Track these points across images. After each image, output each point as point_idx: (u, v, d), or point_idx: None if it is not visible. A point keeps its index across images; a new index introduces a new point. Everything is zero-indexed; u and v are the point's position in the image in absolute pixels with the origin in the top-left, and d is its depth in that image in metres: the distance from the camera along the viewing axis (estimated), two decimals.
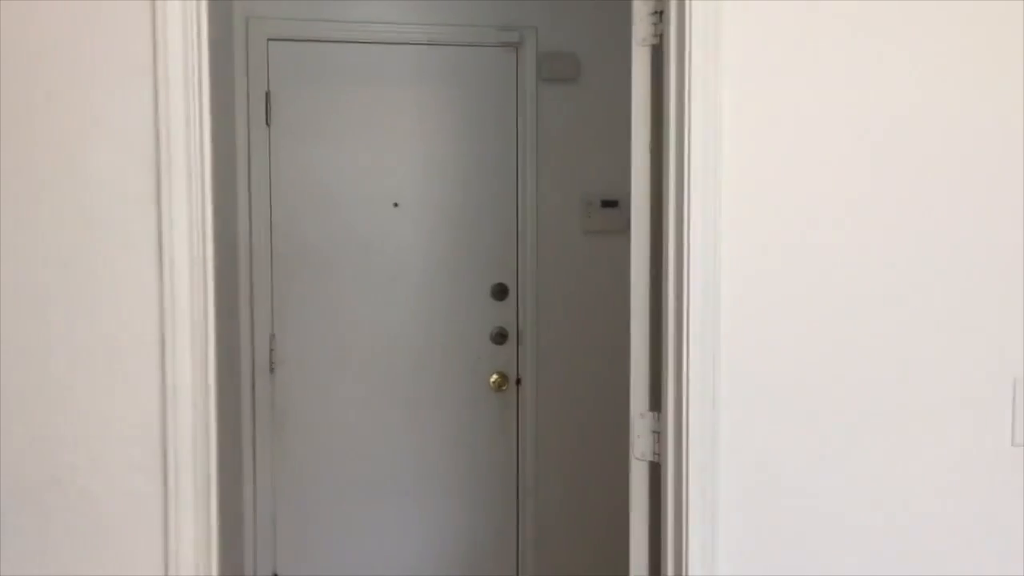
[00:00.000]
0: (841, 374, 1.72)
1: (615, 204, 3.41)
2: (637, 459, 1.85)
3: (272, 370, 3.32)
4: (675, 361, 1.71)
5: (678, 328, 1.70)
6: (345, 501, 3.41)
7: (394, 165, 3.35)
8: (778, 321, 1.71)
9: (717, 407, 1.70)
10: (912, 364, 1.74)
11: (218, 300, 2.81)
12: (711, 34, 1.64)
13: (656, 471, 1.85)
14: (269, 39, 3.24)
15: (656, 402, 1.83)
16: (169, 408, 1.56)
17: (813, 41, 1.69)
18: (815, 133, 1.69)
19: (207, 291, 1.62)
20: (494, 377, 3.42)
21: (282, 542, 3.39)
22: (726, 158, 1.68)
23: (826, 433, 1.73)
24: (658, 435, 1.82)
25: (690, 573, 1.68)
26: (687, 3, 1.63)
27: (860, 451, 1.73)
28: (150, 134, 1.59)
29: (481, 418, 3.44)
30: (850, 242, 1.71)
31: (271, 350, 3.32)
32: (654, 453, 1.83)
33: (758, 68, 1.68)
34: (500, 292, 3.41)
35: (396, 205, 3.36)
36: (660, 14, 1.74)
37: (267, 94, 3.26)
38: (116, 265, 1.58)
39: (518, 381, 3.44)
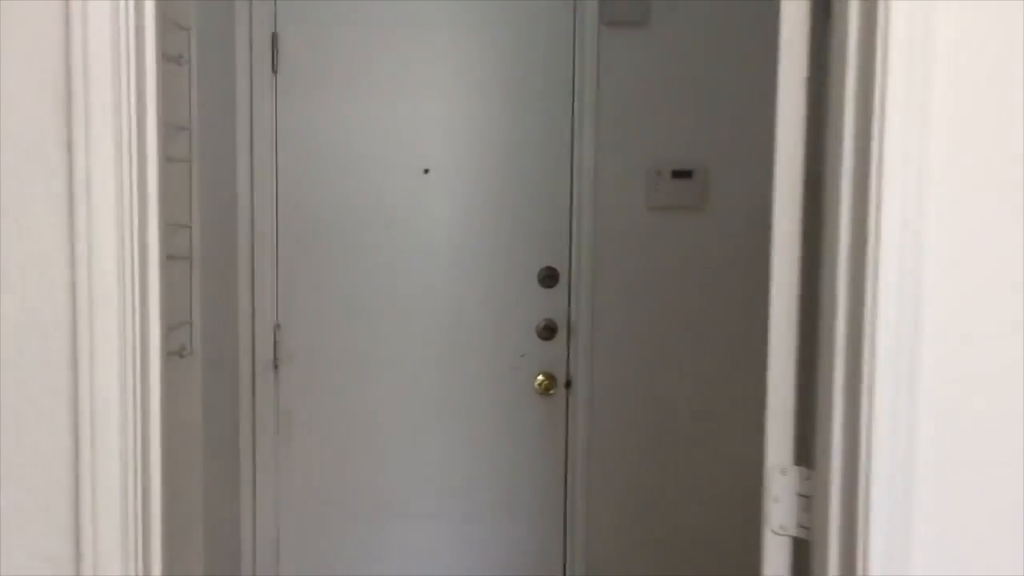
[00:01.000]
0: None
1: (688, 175, 2.86)
2: (775, 532, 1.28)
3: (276, 367, 2.84)
4: (846, 396, 1.15)
5: (853, 347, 1.14)
6: (360, 523, 2.93)
7: (425, 124, 2.84)
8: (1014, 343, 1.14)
9: (913, 467, 1.13)
10: None
11: (203, 287, 2.31)
12: None
13: (801, 547, 1.29)
14: None
15: (804, 452, 1.27)
16: (84, 475, 1.01)
17: None
18: None
19: (147, 285, 1.07)
20: (540, 378, 2.91)
21: (287, 569, 2.89)
22: (937, 98, 1.11)
23: None
24: (808, 500, 1.26)
25: None
26: None
27: None
28: (58, 53, 1.04)
29: (523, 426, 2.94)
30: None
31: (275, 343, 2.84)
32: (800, 526, 1.27)
33: None
34: (549, 278, 2.89)
35: (427, 171, 2.84)
36: None
37: (273, 36, 2.77)
38: (8, 246, 1.03)
39: (568, 383, 2.92)
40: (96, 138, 1.04)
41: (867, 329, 1.13)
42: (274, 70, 2.76)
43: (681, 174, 2.87)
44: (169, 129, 2.06)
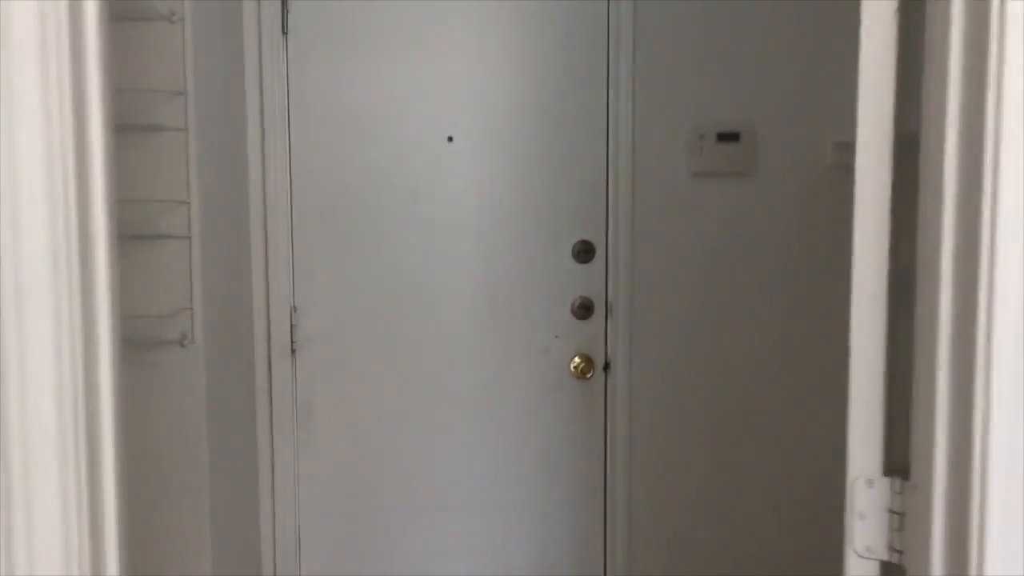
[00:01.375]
0: None
1: (735, 137, 2.65)
2: (859, 555, 1.07)
3: (293, 352, 2.68)
4: (953, 391, 0.93)
5: (962, 331, 0.92)
6: (386, 518, 2.76)
7: (449, 87, 2.64)
8: None
9: None
10: None
11: (207, 268, 2.12)
12: None
13: (890, 571, 1.08)
14: None
15: (895, 460, 1.05)
16: (16, 500, 0.82)
17: None
18: None
19: (93, 270, 0.88)
20: (576, 360, 2.72)
21: (309, 568, 2.74)
22: None
23: None
24: (900, 518, 1.04)
25: None
26: None
27: None
28: None
29: (559, 413, 2.74)
30: None
31: (292, 327, 2.66)
32: (891, 548, 1.05)
33: None
34: (585, 252, 2.69)
35: (451, 139, 2.64)
36: None
37: None
38: None
39: (606, 366, 2.72)
40: (18, 92, 0.85)
41: (982, 312, 0.90)
42: (284, 31, 2.56)
43: (727, 137, 2.64)
44: (161, 95, 1.87)
